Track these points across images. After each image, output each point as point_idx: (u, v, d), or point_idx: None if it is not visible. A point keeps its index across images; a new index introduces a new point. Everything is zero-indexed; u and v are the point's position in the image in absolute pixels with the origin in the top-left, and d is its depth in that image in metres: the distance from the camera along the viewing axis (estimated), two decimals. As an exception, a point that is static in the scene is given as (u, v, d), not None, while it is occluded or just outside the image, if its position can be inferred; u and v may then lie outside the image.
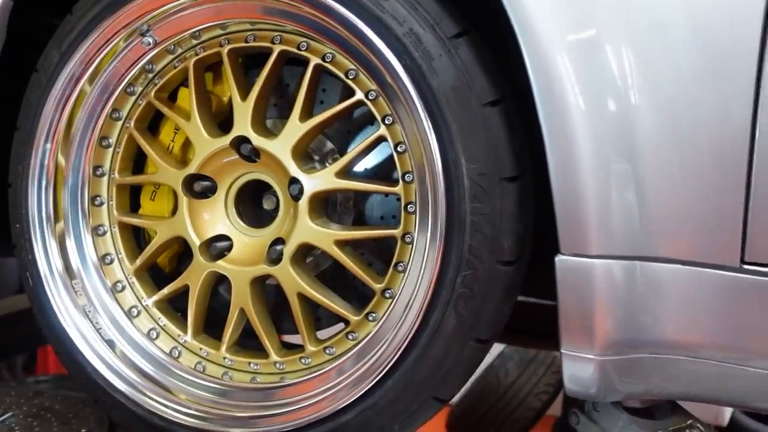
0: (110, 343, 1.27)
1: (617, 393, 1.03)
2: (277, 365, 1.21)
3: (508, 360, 2.60)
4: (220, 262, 1.22)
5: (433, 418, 1.12)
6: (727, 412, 2.29)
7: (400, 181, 1.10)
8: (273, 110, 1.29)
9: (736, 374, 0.97)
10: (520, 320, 1.39)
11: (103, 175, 1.31)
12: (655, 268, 0.96)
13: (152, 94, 1.27)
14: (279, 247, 1.18)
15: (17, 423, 1.42)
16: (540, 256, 1.08)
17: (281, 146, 1.15)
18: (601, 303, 0.96)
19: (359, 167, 1.22)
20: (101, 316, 1.28)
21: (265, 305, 1.23)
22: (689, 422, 1.16)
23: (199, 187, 1.24)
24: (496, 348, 2.56)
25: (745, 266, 0.93)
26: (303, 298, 1.17)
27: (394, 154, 1.10)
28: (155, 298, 1.30)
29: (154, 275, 1.35)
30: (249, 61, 1.29)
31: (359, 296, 1.25)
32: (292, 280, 1.15)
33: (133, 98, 1.29)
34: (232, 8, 1.16)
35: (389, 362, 1.05)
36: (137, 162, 1.34)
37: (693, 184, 0.94)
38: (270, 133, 1.18)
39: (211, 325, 1.30)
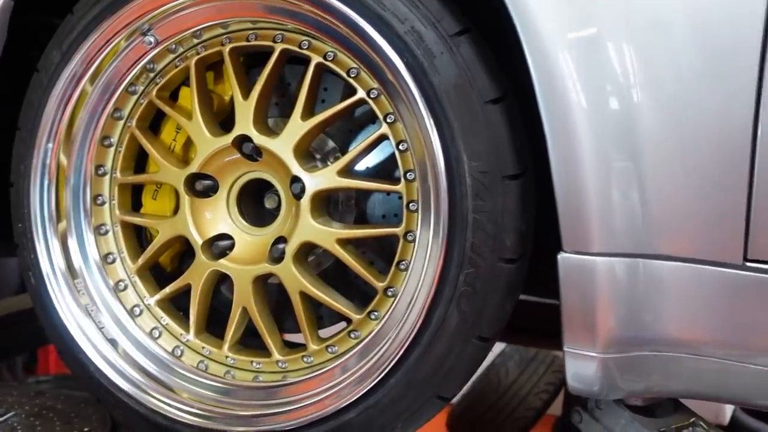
0: (113, 343, 1.28)
1: (620, 391, 1.03)
2: (280, 364, 1.21)
3: (509, 359, 2.60)
4: (222, 261, 1.22)
5: (434, 417, 1.12)
6: (728, 411, 2.29)
7: (402, 180, 1.10)
8: (274, 109, 1.29)
9: (738, 372, 0.97)
10: (521, 318, 1.40)
11: (104, 174, 1.31)
12: (657, 265, 0.96)
13: (154, 93, 1.27)
14: (281, 246, 1.18)
15: (20, 422, 1.42)
16: (541, 255, 1.08)
17: (283, 145, 1.15)
18: (604, 300, 0.96)
19: (360, 166, 1.22)
20: (104, 315, 1.28)
21: (268, 304, 1.23)
22: (692, 420, 1.17)
23: (201, 186, 1.24)
24: (497, 347, 2.56)
25: (748, 263, 0.93)
26: (305, 296, 1.17)
27: (396, 153, 1.10)
28: (157, 297, 1.30)
29: (156, 274, 1.35)
30: (250, 60, 1.29)
31: (361, 295, 1.25)
32: (295, 279, 1.15)
33: (135, 97, 1.29)
34: (233, 7, 1.16)
35: (392, 360, 1.05)
36: (139, 161, 1.34)
37: (695, 182, 0.94)
38: (272, 132, 1.18)
39: (213, 324, 1.30)
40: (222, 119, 1.27)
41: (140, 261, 1.30)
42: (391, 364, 1.05)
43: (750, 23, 0.89)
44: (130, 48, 1.24)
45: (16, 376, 2.92)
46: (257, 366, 1.23)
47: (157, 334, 1.30)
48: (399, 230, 1.10)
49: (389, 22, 1.01)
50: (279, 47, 1.16)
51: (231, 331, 1.23)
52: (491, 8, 0.98)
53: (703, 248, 0.95)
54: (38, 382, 2.50)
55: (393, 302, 1.10)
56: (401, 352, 1.04)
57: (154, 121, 1.33)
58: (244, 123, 1.17)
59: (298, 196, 1.15)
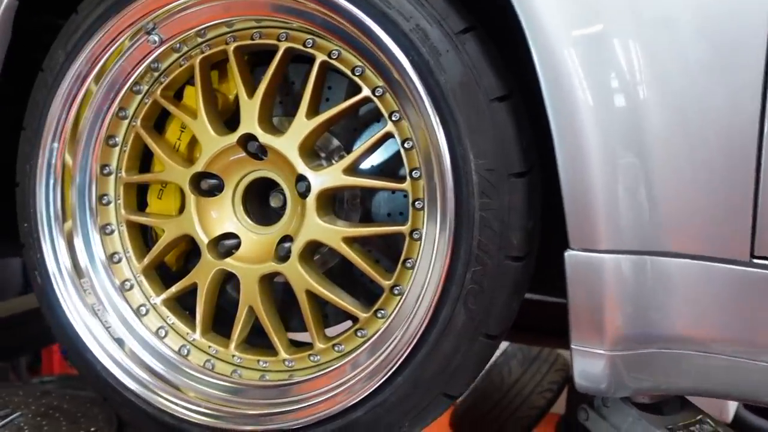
0: (119, 342, 1.28)
1: (627, 388, 1.03)
2: (286, 363, 1.21)
3: (512, 358, 2.60)
4: (228, 260, 1.22)
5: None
6: (732, 408, 2.28)
7: (408, 178, 1.10)
8: (278, 108, 1.29)
9: (746, 368, 0.96)
10: (524, 317, 1.40)
11: (110, 173, 1.32)
12: (664, 262, 0.96)
13: (158, 92, 1.27)
14: (287, 245, 1.18)
15: (26, 422, 1.42)
16: (546, 253, 1.08)
17: (288, 143, 1.14)
18: (611, 298, 0.96)
19: (365, 164, 1.22)
20: (110, 314, 1.28)
21: (274, 303, 1.23)
22: (699, 417, 1.16)
23: (207, 185, 1.24)
24: (500, 345, 2.56)
25: (755, 260, 0.93)
26: (311, 295, 1.17)
27: (402, 151, 1.10)
28: (163, 296, 1.30)
29: (162, 274, 1.35)
30: (254, 59, 1.29)
31: (366, 293, 1.25)
32: (301, 278, 1.15)
33: (139, 97, 1.29)
34: (239, 5, 1.16)
35: (399, 359, 1.05)
36: (144, 161, 1.34)
37: (702, 178, 0.93)
38: (277, 131, 1.18)
39: (219, 323, 1.30)
40: (226, 118, 1.27)
41: (146, 260, 1.30)
42: (399, 362, 1.05)
43: (756, 18, 0.88)
44: (135, 47, 1.24)
45: (20, 377, 2.92)
46: (264, 365, 1.23)
47: (163, 334, 1.30)
48: (405, 228, 1.10)
49: (394, 20, 1.01)
50: (283, 46, 1.16)
51: (238, 330, 1.23)
52: (496, 6, 0.98)
53: (710, 245, 0.95)
54: (43, 383, 2.50)
55: (399, 300, 1.10)
56: (408, 351, 1.04)
57: (158, 121, 1.33)
58: (250, 122, 1.17)
59: (304, 195, 1.15)
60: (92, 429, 1.40)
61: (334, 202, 1.21)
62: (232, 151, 1.20)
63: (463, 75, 0.98)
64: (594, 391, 1.02)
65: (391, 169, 1.23)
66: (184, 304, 1.33)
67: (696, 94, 0.92)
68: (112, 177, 1.31)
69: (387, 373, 1.06)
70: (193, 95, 1.24)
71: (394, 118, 1.10)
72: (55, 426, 1.42)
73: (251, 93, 1.17)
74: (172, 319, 1.30)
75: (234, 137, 1.18)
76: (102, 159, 1.30)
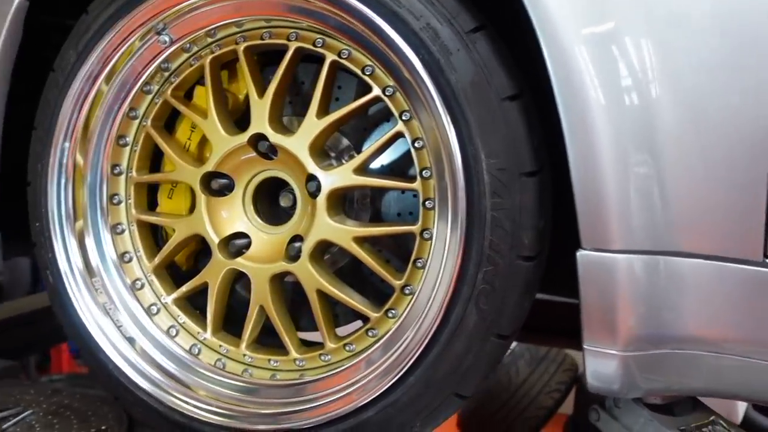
0: (131, 341, 1.28)
1: (639, 389, 1.02)
2: (297, 362, 1.21)
3: (519, 358, 2.59)
4: (239, 259, 1.22)
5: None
6: (741, 409, 2.27)
7: (418, 177, 1.09)
8: (287, 108, 1.29)
9: (759, 369, 0.96)
10: (532, 317, 1.39)
11: (120, 173, 1.32)
12: (677, 262, 0.95)
13: (168, 92, 1.27)
14: (297, 244, 1.18)
15: (37, 420, 1.43)
16: (557, 253, 1.08)
17: (298, 143, 1.14)
18: (624, 298, 0.95)
19: (375, 164, 1.22)
20: (121, 313, 1.29)
21: (285, 302, 1.23)
22: (711, 419, 1.16)
23: (217, 184, 1.24)
24: (508, 345, 2.54)
25: (768, 260, 0.92)
26: (322, 295, 1.17)
27: (412, 150, 1.10)
28: (174, 295, 1.31)
29: (172, 273, 1.35)
30: (264, 59, 1.29)
31: (376, 293, 1.25)
32: (312, 277, 1.15)
33: (150, 97, 1.29)
34: (248, 5, 1.16)
35: (411, 358, 1.05)
36: (154, 160, 1.34)
37: (714, 177, 0.93)
38: (287, 131, 1.18)
39: (229, 323, 1.30)
40: (236, 118, 1.27)
41: (157, 260, 1.30)
42: (410, 362, 1.05)
43: (770, 16, 0.88)
44: (145, 47, 1.24)
45: (29, 375, 2.94)
46: (275, 364, 1.24)
47: (174, 333, 1.30)
48: (416, 228, 1.10)
49: (405, 19, 1.01)
50: (293, 45, 1.16)
51: (248, 330, 1.23)
52: (506, 4, 0.98)
53: (723, 245, 0.94)
54: (52, 381, 2.51)
55: (410, 300, 1.10)
56: (420, 350, 1.04)
57: (168, 120, 1.33)
58: (260, 121, 1.17)
59: (314, 195, 1.15)
60: (103, 427, 1.41)
61: (344, 202, 1.21)
62: (242, 151, 1.20)
63: (474, 74, 0.98)
64: (606, 392, 1.01)
65: (401, 168, 1.23)
66: (194, 304, 1.33)
67: (709, 91, 0.91)
68: (123, 177, 1.32)
69: (399, 372, 1.05)
70: (204, 95, 1.24)
71: (404, 118, 1.10)
72: (66, 424, 1.42)
73: (261, 93, 1.17)
74: (183, 318, 1.30)
75: (244, 137, 1.18)
76: (113, 159, 1.31)
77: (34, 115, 1.32)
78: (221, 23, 1.20)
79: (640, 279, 0.95)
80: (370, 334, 1.16)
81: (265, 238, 1.24)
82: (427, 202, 1.09)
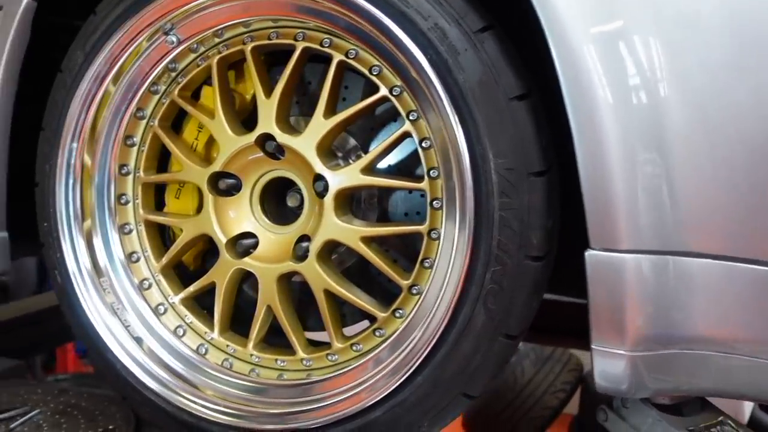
0: (138, 341, 1.28)
1: (647, 389, 1.02)
2: (305, 362, 1.21)
3: (524, 358, 2.58)
4: (246, 259, 1.22)
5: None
6: (747, 410, 2.26)
7: (426, 177, 1.09)
8: (294, 108, 1.29)
9: (768, 369, 0.96)
10: (538, 317, 1.39)
11: (128, 173, 1.32)
12: (686, 262, 0.95)
13: (176, 92, 1.27)
14: (305, 244, 1.18)
15: (45, 420, 1.43)
16: (564, 253, 1.08)
17: (306, 143, 1.15)
18: (633, 298, 0.95)
19: (382, 164, 1.22)
20: (129, 313, 1.29)
21: (292, 302, 1.24)
22: (720, 419, 1.15)
23: (224, 184, 1.24)
24: (513, 345, 2.54)
25: (778, 260, 0.92)
26: (329, 295, 1.17)
27: (419, 150, 1.10)
28: (181, 295, 1.31)
29: (180, 273, 1.35)
30: (271, 59, 1.29)
31: (383, 293, 1.25)
32: (319, 277, 1.15)
33: (157, 97, 1.29)
34: (256, 5, 1.16)
35: (418, 358, 1.05)
36: (161, 160, 1.35)
37: (723, 176, 0.93)
38: (294, 131, 1.18)
39: (236, 323, 1.30)
40: (243, 118, 1.27)
41: (164, 260, 1.30)
42: (418, 361, 1.04)
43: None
44: (153, 48, 1.24)
45: (35, 375, 2.95)
46: (282, 364, 1.24)
47: (181, 333, 1.30)
48: (423, 228, 1.10)
49: (412, 19, 1.01)
50: (301, 45, 1.16)
51: (256, 329, 1.23)
52: (514, 4, 0.97)
53: (732, 245, 0.94)
54: (57, 380, 2.52)
55: (418, 300, 1.10)
56: (428, 350, 1.04)
57: (175, 121, 1.33)
58: (267, 121, 1.17)
59: (321, 195, 1.15)
60: (110, 427, 1.41)
61: (351, 202, 1.21)
62: (249, 151, 1.20)
63: (482, 74, 0.98)
64: (614, 392, 1.01)
65: (408, 168, 1.23)
66: (201, 304, 1.33)
67: (718, 90, 0.91)
68: (131, 177, 1.32)
69: (406, 372, 1.05)
70: (211, 95, 1.25)
71: (411, 118, 1.10)
72: (74, 424, 1.43)
73: (268, 93, 1.18)
74: (190, 318, 1.31)
75: (252, 137, 1.18)
76: (120, 159, 1.31)
77: (42, 116, 1.32)
78: (229, 23, 1.20)
79: (649, 279, 0.95)
80: (377, 334, 1.16)
81: (272, 238, 1.24)
82: (434, 202, 1.09)
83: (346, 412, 1.10)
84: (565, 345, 2.43)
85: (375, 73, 1.11)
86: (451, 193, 1.05)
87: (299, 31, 1.17)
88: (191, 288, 1.29)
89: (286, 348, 1.24)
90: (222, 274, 1.23)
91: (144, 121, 1.30)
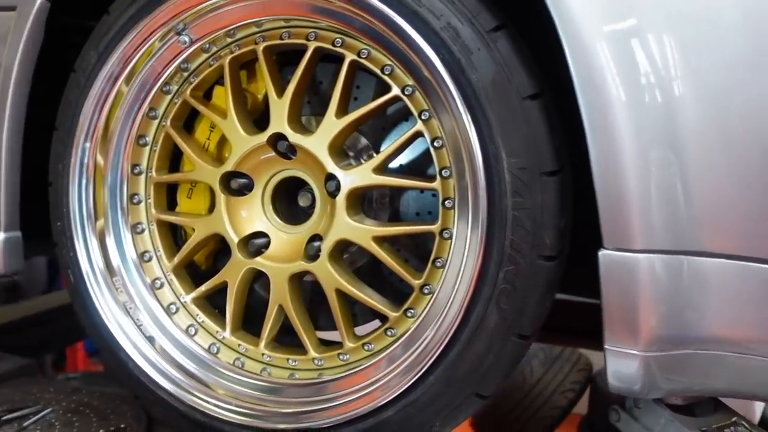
0: (151, 340, 1.29)
1: (661, 390, 1.01)
2: (316, 361, 1.22)
3: (533, 357, 2.57)
4: (258, 258, 1.22)
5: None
6: (758, 410, 2.25)
7: (438, 177, 1.09)
8: (306, 108, 1.29)
9: (783, 370, 0.95)
10: (548, 316, 1.39)
11: (140, 173, 1.33)
12: (700, 262, 0.94)
13: (188, 92, 1.28)
14: (316, 244, 1.18)
15: (57, 418, 1.44)
16: (576, 252, 1.07)
17: (318, 143, 1.15)
18: (646, 298, 0.95)
19: (393, 163, 1.22)
20: (141, 312, 1.30)
21: (303, 302, 1.24)
22: (733, 419, 1.15)
23: (236, 184, 1.24)
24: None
25: (793, 260, 0.92)
26: (341, 294, 1.17)
27: (432, 150, 1.10)
28: (193, 294, 1.31)
29: (191, 272, 1.36)
30: (282, 59, 1.29)
31: (395, 293, 1.25)
32: (331, 277, 1.15)
33: (169, 97, 1.30)
34: (269, 5, 1.16)
35: (431, 358, 1.05)
36: (173, 160, 1.35)
37: (738, 176, 0.92)
38: (306, 130, 1.19)
39: (248, 322, 1.30)
40: (255, 118, 1.28)
41: (176, 259, 1.31)
42: (430, 361, 1.04)
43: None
44: (165, 48, 1.25)
45: (46, 374, 2.96)
46: (293, 363, 1.24)
47: (193, 332, 1.31)
48: (435, 227, 1.10)
49: (425, 19, 1.01)
50: (313, 45, 1.16)
51: (267, 329, 1.23)
52: (527, 3, 0.97)
53: (747, 244, 0.93)
54: (68, 379, 2.53)
55: (430, 300, 1.10)
56: (440, 350, 1.04)
57: (188, 120, 1.34)
58: (279, 121, 1.17)
59: (333, 194, 1.15)
60: (122, 426, 1.41)
61: (363, 201, 1.21)
62: (261, 151, 1.21)
63: (495, 73, 0.98)
64: (627, 392, 1.01)
65: (419, 167, 1.23)
66: (213, 303, 1.34)
67: (732, 88, 0.91)
68: (143, 176, 1.33)
69: (419, 371, 1.05)
70: (223, 95, 1.25)
71: (423, 117, 1.10)
72: (86, 422, 1.43)
73: (280, 92, 1.18)
74: (202, 317, 1.31)
75: (264, 137, 1.19)
76: (133, 158, 1.32)
77: (55, 117, 1.33)
78: (241, 23, 1.20)
79: (662, 279, 0.94)
80: (388, 333, 1.16)
81: (284, 238, 1.24)
82: (446, 202, 1.09)
83: (359, 412, 1.10)
84: (575, 344, 2.42)
85: (387, 73, 1.11)
86: (463, 193, 1.05)
87: (311, 30, 1.17)
88: (203, 287, 1.30)
89: (298, 347, 1.24)
90: (234, 273, 1.24)
91: (156, 121, 1.31)
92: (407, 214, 1.25)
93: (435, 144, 1.09)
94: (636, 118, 0.92)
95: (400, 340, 1.12)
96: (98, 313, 1.29)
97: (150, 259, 1.33)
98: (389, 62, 1.11)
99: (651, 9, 0.92)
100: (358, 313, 1.30)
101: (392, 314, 1.15)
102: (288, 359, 1.24)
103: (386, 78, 1.11)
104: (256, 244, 1.25)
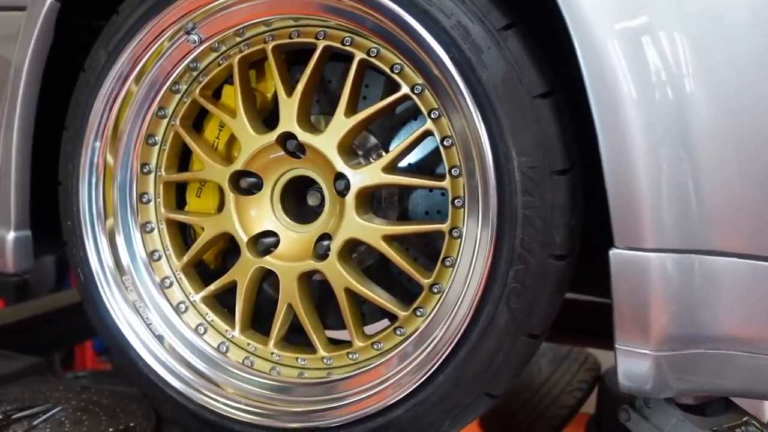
0: (160, 339, 1.29)
1: (671, 389, 1.01)
2: (325, 360, 1.22)
3: (541, 356, 2.57)
4: (267, 257, 1.22)
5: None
6: (767, 409, 2.24)
7: (447, 176, 1.09)
8: (314, 107, 1.29)
9: (795, 369, 0.95)
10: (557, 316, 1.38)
11: (150, 172, 1.33)
12: (711, 261, 0.94)
13: (197, 91, 1.28)
14: (325, 243, 1.18)
15: (67, 417, 1.44)
16: (587, 252, 1.07)
17: (327, 142, 1.15)
18: (657, 297, 0.94)
19: (402, 162, 1.22)
20: (151, 311, 1.30)
21: (312, 301, 1.24)
22: (745, 419, 1.14)
23: (246, 183, 1.24)
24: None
25: (805, 259, 0.91)
26: (350, 293, 1.17)
27: (441, 149, 1.10)
28: (202, 293, 1.31)
29: (201, 271, 1.36)
30: (291, 58, 1.29)
31: (403, 292, 1.25)
32: (340, 276, 1.15)
33: (179, 96, 1.30)
34: (279, 4, 1.16)
35: (440, 357, 1.04)
36: (183, 159, 1.35)
37: (750, 174, 0.92)
38: (315, 129, 1.19)
39: (257, 321, 1.31)
40: (264, 117, 1.28)
41: (185, 258, 1.31)
42: (440, 361, 1.04)
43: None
44: (174, 47, 1.25)
45: (54, 373, 2.98)
46: (302, 362, 1.24)
47: (202, 331, 1.31)
48: (445, 226, 1.10)
49: (435, 17, 1.01)
50: (322, 44, 1.16)
51: (277, 328, 1.23)
52: (538, 1, 0.97)
53: (758, 243, 0.93)
54: (77, 377, 2.54)
55: (439, 299, 1.10)
56: (450, 349, 1.04)
57: (197, 120, 1.34)
58: (288, 120, 1.17)
59: (343, 193, 1.15)
60: (131, 424, 1.42)
61: (372, 201, 1.21)
62: (270, 150, 1.21)
63: (506, 72, 0.98)
64: (638, 392, 1.00)
65: (428, 166, 1.23)
66: (222, 302, 1.34)
67: (744, 86, 0.90)
68: (152, 175, 1.33)
69: (428, 371, 1.05)
70: (232, 94, 1.25)
71: (433, 116, 1.09)
72: (95, 421, 1.44)
73: (290, 91, 1.18)
74: (211, 316, 1.31)
75: (273, 136, 1.19)
76: (142, 158, 1.32)
77: (63, 116, 1.33)
78: (250, 22, 1.20)
79: (674, 278, 0.94)
80: (398, 332, 1.16)
81: (293, 237, 1.24)
82: (456, 201, 1.09)
83: (368, 411, 1.10)
84: (582, 344, 2.42)
85: (396, 72, 1.11)
86: (473, 192, 1.04)
87: (320, 29, 1.17)
88: (212, 286, 1.30)
89: (307, 346, 1.24)
90: (243, 272, 1.24)
91: (165, 120, 1.31)
92: (416, 213, 1.25)
93: (445, 143, 1.09)
94: (647, 116, 0.91)
95: (410, 339, 1.12)
96: (108, 312, 1.29)
97: (159, 258, 1.33)
98: (399, 61, 1.11)
99: (662, 7, 0.92)
100: (366, 312, 1.30)
101: (401, 313, 1.14)
102: (297, 358, 1.24)
103: (396, 77, 1.11)
104: (265, 243, 1.25)
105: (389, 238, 1.13)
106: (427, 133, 1.11)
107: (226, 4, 1.18)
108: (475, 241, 1.04)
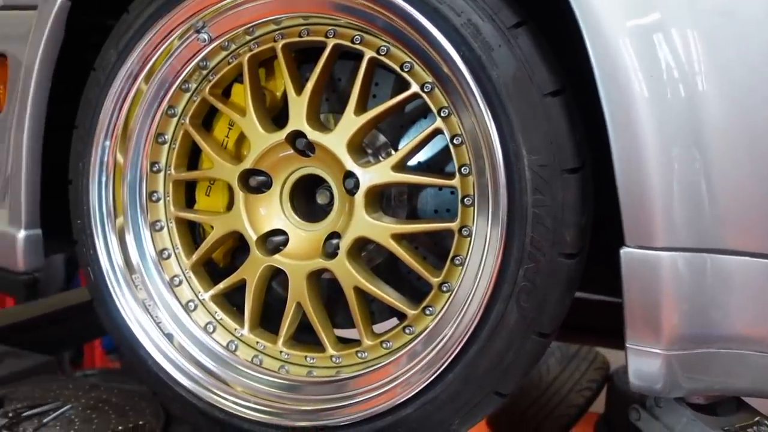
0: (169, 337, 1.29)
1: (682, 389, 1.00)
2: (334, 359, 1.22)
3: (550, 355, 2.56)
4: (276, 256, 1.22)
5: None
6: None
7: (457, 174, 1.09)
8: (324, 105, 1.29)
9: (808, 369, 0.94)
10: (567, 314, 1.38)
11: (159, 171, 1.33)
12: (723, 260, 0.93)
13: (207, 90, 1.28)
14: (335, 241, 1.18)
15: (77, 415, 1.45)
16: (597, 250, 1.06)
17: (336, 140, 1.15)
18: (669, 297, 0.94)
19: (412, 161, 1.21)
20: (160, 310, 1.30)
21: (321, 299, 1.24)
22: (756, 419, 1.13)
23: (255, 182, 1.25)
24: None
25: (818, 258, 0.90)
26: (359, 292, 1.17)
27: (451, 147, 1.09)
28: (212, 292, 1.32)
29: (210, 270, 1.36)
30: (300, 57, 1.29)
31: (412, 291, 1.25)
32: (349, 274, 1.15)
33: (188, 95, 1.30)
34: (287, 2, 1.16)
35: (450, 356, 1.04)
36: (192, 158, 1.35)
37: (762, 173, 0.91)
38: (325, 128, 1.19)
39: (265, 319, 1.31)
40: (274, 115, 1.28)
41: (194, 257, 1.31)
42: (449, 359, 1.04)
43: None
44: (184, 46, 1.25)
45: (64, 371, 2.99)
46: (311, 361, 1.24)
47: (211, 329, 1.31)
48: (454, 225, 1.10)
49: (446, 15, 1.00)
50: (331, 42, 1.16)
51: (285, 326, 1.23)
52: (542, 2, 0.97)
53: (771, 242, 0.92)
54: (86, 376, 2.55)
55: (449, 298, 1.10)
56: (459, 348, 1.03)
57: (206, 118, 1.34)
58: (298, 119, 1.17)
59: (352, 192, 1.15)
60: (140, 422, 1.43)
61: (381, 199, 1.21)
62: (280, 148, 1.21)
63: (516, 70, 0.97)
64: (649, 391, 1.00)
65: (438, 165, 1.23)
66: (231, 300, 1.34)
67: (757, 84, 0.90)
68: (162, 174, 1.33)
69: (437, 369, 1.05)
70: (242, 93, 1.25)
71: (443, 114, 1.09)
72: (105, 419, 1.44)
73: (299, 90, 1.18)
74: (221, 314, 1.31)
75: (282, 134, 1.19)
76: (152, 156, 1.32)
77: (74, 115, 1.34)
78: (260, 21, 1.20)
79: (685, 277, 0.94)
80: (407, 331, 1.16)
81: (302, 235, 1.24)
82: (465, 199, 1.08)
83: (377, 409, 1.10)
84: (592, 343, 2.41)
85: (406, 70, 1.11)
86: (483, 190, 1.04)
87: (330, 28, 1.17)
88: (221, 285, 1.30)
89: (316, 345, 1.24)
90: (252, 271, 1.24)
91: (175, 119, 1.31)
92: (425, 211, 1.24)
93: (454, 141, 1.09)
94: (659, 114, 0.91)
95: (419, 338, 1.11)
96: (118, 311, 1.30)
97: (169, 257, 1.34)
98: (408, 59, 1.11)
99: (674, 4, 0.91)
100: (375, 311, 1.30)
101: (411, 312, 1.14)
102: (306, 357, 1.24)
103: (405, 75, 1.11)
104: (274, 241, 1.25)
105: (398, 237, 1.13)
106: (437, 132, 1.11)
107: (236, 2, 1.18)
108: (485, 239, 1.04)
